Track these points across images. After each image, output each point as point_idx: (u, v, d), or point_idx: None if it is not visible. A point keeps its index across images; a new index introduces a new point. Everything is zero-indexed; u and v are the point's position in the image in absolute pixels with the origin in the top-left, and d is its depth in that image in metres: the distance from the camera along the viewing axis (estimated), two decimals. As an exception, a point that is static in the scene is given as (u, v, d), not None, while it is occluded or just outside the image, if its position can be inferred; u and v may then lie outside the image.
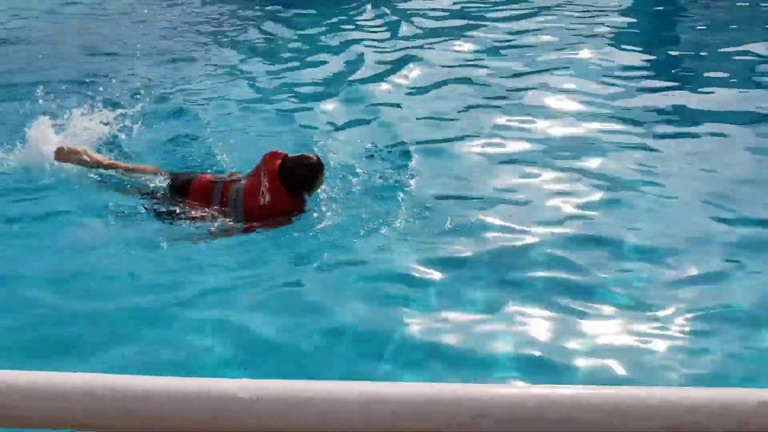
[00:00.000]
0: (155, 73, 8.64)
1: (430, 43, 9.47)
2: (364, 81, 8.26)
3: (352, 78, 8.38)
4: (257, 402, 1.19)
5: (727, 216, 5.23)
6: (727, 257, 4.77)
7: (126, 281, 4.61)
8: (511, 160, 6.26)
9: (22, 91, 7.47)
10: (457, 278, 4.60)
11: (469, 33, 9.82)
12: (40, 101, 6.81)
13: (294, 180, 5.09)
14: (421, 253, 4.84)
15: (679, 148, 6.37)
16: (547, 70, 8.35)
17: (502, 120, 7.05)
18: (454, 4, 11.31)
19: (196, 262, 4.79)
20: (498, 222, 5.22)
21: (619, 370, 3.83)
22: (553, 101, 7.50)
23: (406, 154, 6.26)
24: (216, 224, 5.08)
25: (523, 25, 10.14)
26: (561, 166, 6.08)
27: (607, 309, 4.32)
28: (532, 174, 5.96)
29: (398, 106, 7.50)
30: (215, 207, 5.18)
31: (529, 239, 5.00)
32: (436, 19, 10.65)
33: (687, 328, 4.11)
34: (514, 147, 6.50)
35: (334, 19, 10.79)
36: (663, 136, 6.59)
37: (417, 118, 7.16)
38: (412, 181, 5.74)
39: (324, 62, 9.04)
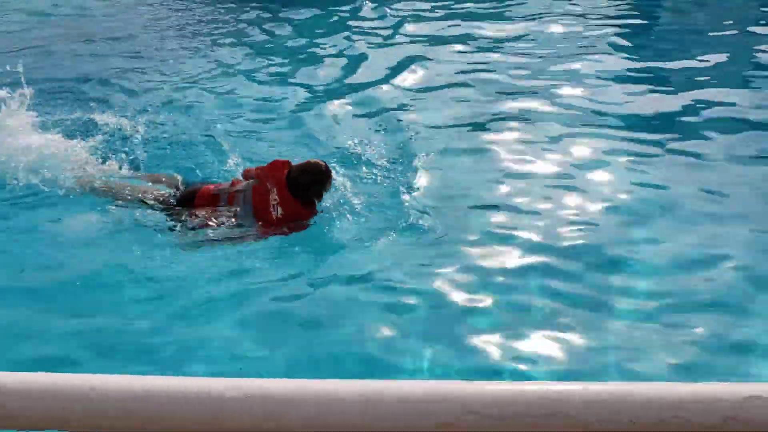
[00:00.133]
0: (153, 75, 8.61)
1: (433, 45, 9.45)
2: (367, 83, 8.24)
3: (355, 79, 8.37)
4: (247, 400, 1.21)
5: (730, 224, 5.20)
6: (728, 261, 4.77)
7: (141, 286, 4.62)
8: (514, 165, 6.22)
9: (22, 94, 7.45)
10: (461, 288, 4.59)
11: (469, 34, 9.80)
12: (36, 106, 6.80)
13: (303, 189, 5.05)
14: (422, 259, 4.85)
15: (684, 154, 6.33)
16: (549, 73, 8.32)
17: (506, 124, 7.02)
18: (456, 4, 11.28)
19: (207, 271, 4.77)
20: (498, 230, 5.21)
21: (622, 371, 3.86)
22: (557, 105, 7.46)
23: (410, 158, 6.25)
24: (232, 232, 5.04)
25: (523, 28, 10.10)
26: (563, 169, 6.07)
27: (608, 312, 4.34)
28: (535, 179, 5.94)
29: (401, 108, 7.48)
30: (225, 216, 5.13)
31: (530, 247, 4.99)
32: (438, 20, 10.63)
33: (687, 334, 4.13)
34: (519, 152, 6.45)
35: (336, 20, 10.77)
36: (672, 144, 6.54)
37: (420, 121, 7.14)
38: (415, 186, 5.72)
39: (325, 63, 9.00)
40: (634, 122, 7.03)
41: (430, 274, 4.73)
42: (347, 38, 9.87)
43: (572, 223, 5.28)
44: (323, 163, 5.15)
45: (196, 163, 6.20)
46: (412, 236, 5.11)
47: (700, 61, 8.58)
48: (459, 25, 10.24)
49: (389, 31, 10.16)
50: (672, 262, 4.81)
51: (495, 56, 8.97)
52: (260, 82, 8.47)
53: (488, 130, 6.91)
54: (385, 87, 8.10)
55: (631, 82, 8.10)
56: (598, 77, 8.20)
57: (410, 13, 10.92)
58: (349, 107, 7.51)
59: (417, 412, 1.22)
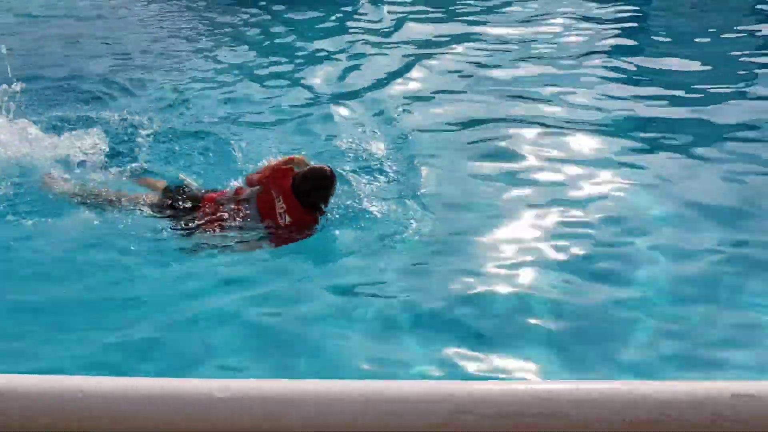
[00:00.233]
0: (151, 77, 8.58)
1: (432, 48, 9.41)
2: (367, 85, 8.17)
3: (354, 81, 8.30)
4: (232, 401, 1.21)
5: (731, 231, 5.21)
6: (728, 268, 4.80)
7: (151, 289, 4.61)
8: (517, 171, 6.15)
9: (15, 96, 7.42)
10: (459, 292, 4.58)
11: (468, 37, 9.77)
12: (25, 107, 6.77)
13: (309, 195, 5.03)
14: (421, 263, 4.84)
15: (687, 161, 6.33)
16: (550, 76, 8.26)
17: (506, 127, 6.97)
18: (457, 6, 11.28)
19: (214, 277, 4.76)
20: (498, 234, 5.19)
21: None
22: (558, 107, 7.41)
23: (410, 161, 6.20)
24: (243, 239, 5.01)
25: (523, 31, 10.08)
26: (565, 172, 6.04)
27: (608, 315, 4.35)
28: (534, 182, 5.92)
29: (401, 110, 7.42)
30: (234, 223, 5.09)
31: (529, 251, 4.97)
32: (438, 22, 10.60)
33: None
34: (521, 157, 6.39)
35: (337, 21, 10.75)
36: (673, 147, 6.53)
37: (420, 124, 7.11)
38: (414, 190, 5.68)
39: (325, 64, 8.93)
40: (634, 125, 6.98)
41: (429, 278, 4.73)
42: (348, 40, 9.84)
43: (572, 226, 5.24)
44: (328, 169, 5.11)
45: (196, 165, 6.15)
46: (411, 240, 5.08)
47: (703, 63, 8.56)
48: (458, 28, 10.20)
49: (390, 33, 10.14)
50: (673, 266, 4.81)
51: (495, 58, 8.92)
52: (259, 84, 8.40)
53: (488, 133, 6.85)
54: (385, 89, 8.06)
55: (633, 84, 8.07)
56: (601, 80, 8.15)
57: (411, 15, 10.89)
58: (349, 109, 7.46)
59: (410, 412, 1.22)
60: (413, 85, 8.21)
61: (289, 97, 7.92)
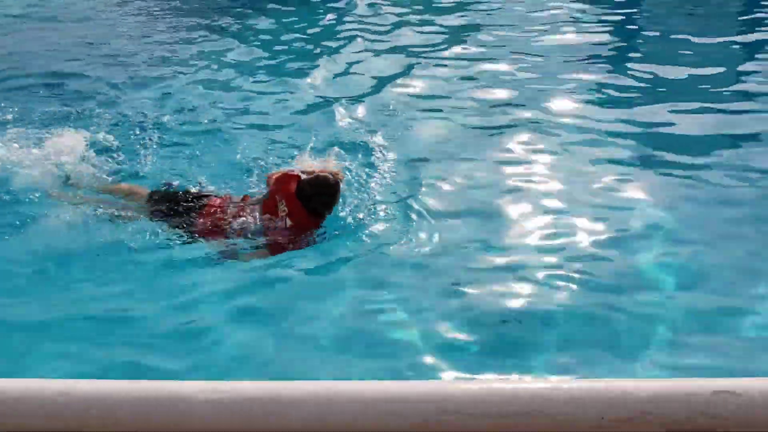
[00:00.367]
0: (149, 77, 8.52)
1: (428, 52, 9.38)
2: (366, 88, 8.13)
3: (353, 85, 8.24)
4: (217, 404, 1.21)
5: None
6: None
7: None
8: (514, 173, 6.13)
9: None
10: (458, 296, 4.58)
11: (468, 40, 9.75)
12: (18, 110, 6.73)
13: (311, 200, 5.05)
14: (418, 269, 4.84)
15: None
16: (550, 79, 8.19)
17: (506, 131, 6.90)
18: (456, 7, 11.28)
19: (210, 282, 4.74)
20: (497, 240, 5.17)
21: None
22: (557, 113, 7.34)
23: (408, 165, 6.18)
24: (243, 246, 5.00)
25: (524, 34, 10.07)
26: (564, 178, 5.99)
27: (610, 320, 4.37)
28: (533, 186, 5.89)
29: (400, 113, 7.39)
30: (233, 229, 5.07)
31: (529, 255, 4.96)
32: (438, 26, 10.59)
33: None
34: (519, 160, 6.36)
35: (337, 22, 10.74)
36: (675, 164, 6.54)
37: (419, 127, 7.08)
38: (412, 194, 5.65)
39: (324, 65, 8.85)
40: (633, 132, 6.92)
41: (427, 282, 4.73)
42: (346, 41, 9.82)
43: (572, 231, 5.23)
44: (332, 178, 5.14)
45: (196, 165, 6.11)
46: (409, 244, 5.08)
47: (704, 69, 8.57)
48: (457, 31, 10.19)
49: (389, 36, 10.12)
50: (675, 271, 4.83)
51: (495, 61, 8.91)
52: (258, 84, 8.35)
53: (487, 137, 6.80)
54: (384, 92, 8.01)
55: (632, 91, 8.03)
56: (603, 84, 8.15)
57: (410, 17, 10.90)
58: (348, 112, 7.40)
59: (394, 413, 1.22)
60: (412, 89, 8.14)
61: (290, 97, 7.87)
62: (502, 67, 8.74)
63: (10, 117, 6.83)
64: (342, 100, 7.66)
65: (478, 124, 7.17)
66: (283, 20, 10.79)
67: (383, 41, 9.87)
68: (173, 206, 5.25)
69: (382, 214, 5.33)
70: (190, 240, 5.05)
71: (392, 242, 5.07)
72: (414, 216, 5.39)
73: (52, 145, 5.97)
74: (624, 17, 10.85)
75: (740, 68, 8.60)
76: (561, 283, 4.66)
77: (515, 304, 4.53)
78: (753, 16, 10.72)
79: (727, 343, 4.18)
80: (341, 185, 5.26)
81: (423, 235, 5.18)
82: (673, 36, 9.90)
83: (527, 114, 7.33)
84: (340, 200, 5.24)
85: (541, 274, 4.76)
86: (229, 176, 5.86)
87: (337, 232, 5.11)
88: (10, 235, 5.11)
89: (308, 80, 8.40)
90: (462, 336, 4.24)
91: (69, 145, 5.97)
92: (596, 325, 4.32)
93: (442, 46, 9.59)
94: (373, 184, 5.76)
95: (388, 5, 11.48)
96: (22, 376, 3.51)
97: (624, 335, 4.25)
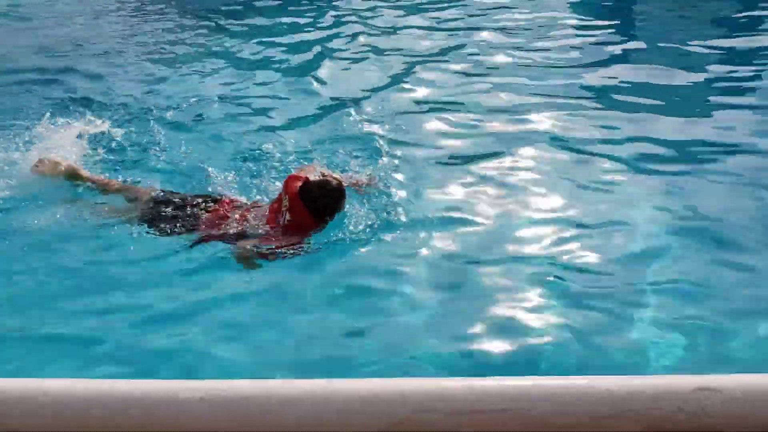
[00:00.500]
0: (146, 77, 8.51)
1: (425, 58, 9.34)
2: (367, 90, 8.12)
3: (351, 88, 8.21)
4: (213, 402, 1.21)
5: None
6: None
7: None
8: (512, 180, 6.10)
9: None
10: (457, 302, 4.58)
11: (466, 44, 9.74)
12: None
13: (316, 201, 5.02)
14: (416, 276, 4.84)
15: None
16: (551, 84, 8.16)
17: (506, 136, 6.88)
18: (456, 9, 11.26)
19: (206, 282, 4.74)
20: (496, 246, 5.16)
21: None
22: (556, 118, 7.27)
23: (411, 167, 6.15)
24: (238, 245, 4.98)
25: (523, 37, 10.06)
26: (563, 185, 5.96)
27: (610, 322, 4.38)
28: (532, 193, 5.87)
29: (402, 114, 7.38)
30: (234, 230, 5.07)
31: (527, 262, 4.94)
32: (438, 26, 10.57)
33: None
34: (521, 168, 6.33)
35: (336, 22, 10.72)
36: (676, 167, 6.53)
37: (419, 129, 7.06)
38: (408, 202, 5.64)
39: (322, 66, 8.86)
40: (633, 135, 6.87)
41: (426, 286, 4.73)
42: (345, 42, 9.81)
43: (572, 239, 5.21)
44: (338, 182, 5.12)
45: (195, 167, 6.08)
46: (406, 250, 5.08)
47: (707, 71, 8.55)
48: (456, 35, 10.17)
49: (389, 36, 10.10)
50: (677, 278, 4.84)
51: (494, 65, 8.88)
52: (256, 85, 8.31)
53: (486, 144, 6.76)
54: (384, 93, 7.98)
55: (632, 92, 8.01)
56: (603, 87, 8.11)
57: (411, 17, 10.88)
58: (349, 112, 7.35)
59: (369, 411, 1.22)
60: (412, 90, 8.09)
61: (289, 98, 7.85)
62: (500, 71, 8.68)
63: (2, 115, 6.80)
64: (345, 101, 7.64)
65: (478, 124, 7.15)
66: (284, 20, 10.77)
67: (383, 41, 9.85)
68: (174, 208, 5.26)
69: (381, 218, 5.31)
70: (187, 241, 5.02)
71: (390, 247, 5.05)
72: (413, 218, 5.39)
73: (51, 140, 5.98)
74: (623, 19, 10.88)
75: (736, 71, 8.62)
76: (559, 289, 4.62)
77: (514, 308, 4.52)
78: (748, 17, 10.76)
79: (727, 347, 4.20)
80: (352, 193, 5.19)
81: (420, 239, 5.17)
82: (670, 39, 9.92)
83: (530, 117, 7.30)
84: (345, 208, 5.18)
85: (540, 279, 4.73)
86: (227, 173, 5.85)
87: (333, 237, 5.10)
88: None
89: (310, 80, 8.36)
90: (462, 344, 4.21)
91: (63, 143, 5.97)
92: (593, 329, 4.30)
93: (442, 47, 9.58)
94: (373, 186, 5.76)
95: (389, 5, 11.46)
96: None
97: (623, 339, 4.24)
